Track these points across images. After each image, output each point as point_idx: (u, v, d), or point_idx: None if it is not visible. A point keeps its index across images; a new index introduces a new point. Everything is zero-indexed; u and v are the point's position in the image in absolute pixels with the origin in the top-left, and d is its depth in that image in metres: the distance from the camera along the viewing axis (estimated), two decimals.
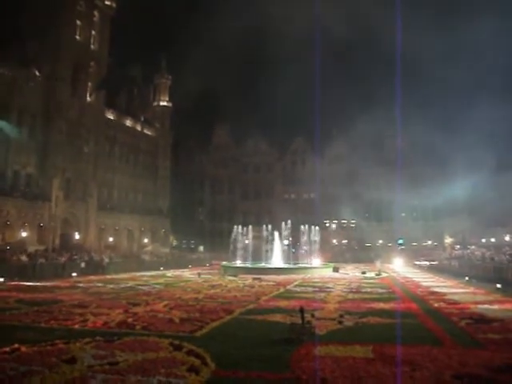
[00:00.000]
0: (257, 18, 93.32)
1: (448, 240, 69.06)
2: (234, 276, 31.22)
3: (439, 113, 64.65)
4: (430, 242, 70.39)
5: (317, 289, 22.63)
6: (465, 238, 63.60)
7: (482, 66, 60.77)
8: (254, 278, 28.55)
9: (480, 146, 55.05)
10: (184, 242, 75.61)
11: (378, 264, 46.90)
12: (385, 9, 61.83)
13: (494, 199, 58.12)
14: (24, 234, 41.43)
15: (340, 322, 12.48)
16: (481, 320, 12.84)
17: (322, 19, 62.61)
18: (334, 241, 72.11)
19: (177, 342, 9.51)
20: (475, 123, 52.55)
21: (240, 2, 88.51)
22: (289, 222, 45.42)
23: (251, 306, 15.85)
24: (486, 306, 15.88)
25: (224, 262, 41.81)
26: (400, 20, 43.44)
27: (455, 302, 16.81)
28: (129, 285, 24.61)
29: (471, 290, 22.03)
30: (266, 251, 45.03)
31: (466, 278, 27.87)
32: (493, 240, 55.40)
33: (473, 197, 63.42)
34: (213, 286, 24.02)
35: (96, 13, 53.30)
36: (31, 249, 36.90)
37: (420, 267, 45.36)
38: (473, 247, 49.06)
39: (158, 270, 39.25)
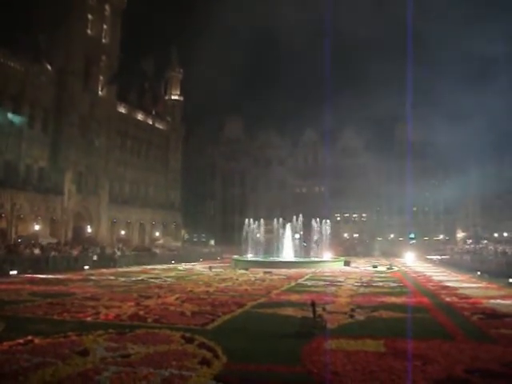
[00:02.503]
0: (269, 12, 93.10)
1: (460, 234, 68.82)
2: (245, 269, 31.22)
3: (452, 105, 64.23)
4: (441, 237, 70.12)
5: (328, 283, 22.60)
6: (477, 233, 63.34)
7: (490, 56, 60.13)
8: (265, 272, 28.54)
9: (494, 139, 54.65)
10: (195, 235, 75.89)
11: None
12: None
13: (506, 193, 57.79)
14: (37, 228, 41.79)
15: (351, 316, 12.45)
16: (493, 315, 12.77)
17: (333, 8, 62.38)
18: (345, 234, 72.03)
19: (188, 335, 9.54)
20: (489, 116, 52.13)
21: None
22: (300, 215, 45.34)
23: (262, 300, 15.86)
24: (498, 300, 15.77)
25: (235, 256, 41.82)
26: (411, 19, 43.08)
27: (467, 297, 16.72)
28: (140, 278, 24.70)
29: (483, 284, 21.89)
30: (277, 245, 45.02)
31: (478, 273, 27.69)
32: (505, 234, 55.10)
33: (485, 191, 63.10)
34: (224, 280, 24.06)
35: (107, 7, 53.48)
36: (44, 242, 37.16)
37: (432, 261, 45.14)
38: (485, 241, 48.86)
39: (170, 263, 39.34)
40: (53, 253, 32.46)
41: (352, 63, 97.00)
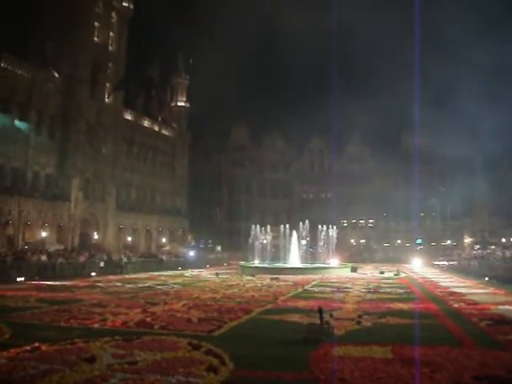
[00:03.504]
0: (272, 16, 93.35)
1: (467, 240, 68.42)
2: (252, 276, 31.22)
3: (457, 110, 64.00)
4: (449, 242, 69.77)
5: (335, 289, 22.55)
6: (484, 238, 62.97)
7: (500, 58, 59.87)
8: (272, 278, 28.52)
9: (499, 144, 54.35)
10: (202, 241, 75.83)
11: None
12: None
13: None
14: (44, 234, 41.88)
15: (358, 323, 12.41)
16: (501, 321, 12.70)
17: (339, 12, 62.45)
18: (352, 240, 71.80)
19: (195, 342, 9.53)
20: (493, 120, 51.89)
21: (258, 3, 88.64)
22: (306, 221, 45.29)
23: (269, 306, 15.84)
24: (506, 306, 15.69)
25: (242, 262, 41.83)
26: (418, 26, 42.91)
27: (475, 303, 16.64)
28: (147, 284, 24.73)
29: (491, 290, 21.78)
30: (284, 251, 45.01)
31: (486, 279, 27.56)
32: None
33: (492, 196, 62.82)
34: (231, 286, 24.05)
35: (114, 14, 53.74)
36: (51, 248, 37.22)
37: (439, 267, 44.99)
38: (492, 247, 48.60)
39: (176, 269, 39.40)
40: (60, 259, 32.54)
41: (358, 67, 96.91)
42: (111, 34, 53.33)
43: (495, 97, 53.84)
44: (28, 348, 8.89)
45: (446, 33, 74.01)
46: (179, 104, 67.53)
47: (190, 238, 70.01)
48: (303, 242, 45.48)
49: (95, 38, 50.90)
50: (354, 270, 37.31)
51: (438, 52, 76.46)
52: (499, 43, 55.87)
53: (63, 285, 23.96)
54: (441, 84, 74.43)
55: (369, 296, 19.31)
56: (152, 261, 41.85)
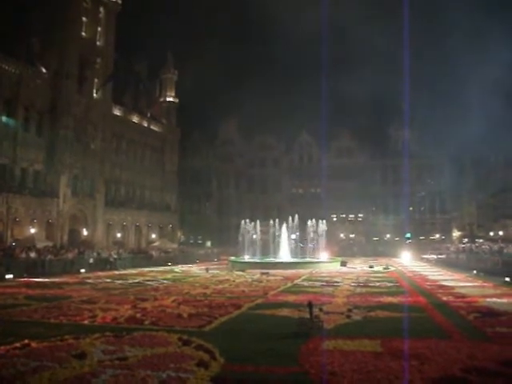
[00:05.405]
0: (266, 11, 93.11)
1: (456, 233, 68.87)
2: (242, 271, 31.24)
3: (447, 104, 64.33)
4: (437, 236, 70.14)
5: (325, 283, 22.62)
6: (473, 232, 63.45)
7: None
8: (262, 273, 28.54)
9: (487, 139, 54.66)
10: (191, 237, 75.71)
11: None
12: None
13: (501, 192, 57.89)
14: (32, 231, 41.67)
15: (348, 316, 12.47)
16: (489, 313, 12.81)
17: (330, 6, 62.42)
18: (342, 235, 72.01)
19: (185, 337, 9.54)
20: (483, 116, 52.18)
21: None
22: (296, 216, 45.36)
23: (259, 301, 15.87)
24: (494, 299, 15.84)
25: (232, 257, 41.83)
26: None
27: (463, 296, 16.78)
28: (137, 280, 24.68)
29: (479, 283, 21.96)
30: (274, 246, 45.07)
31: (474, 272, 27.80)
32: (501, 233, 55.13)
33: (480, 190, 63.25)
34: (221, 281, 24.05)
35: (101, 9, 53.29)
36: (40, 245, 37.01)
37: (428, 261, 45.28)
38: (481, 240, 48.91)
39: (166, 265, 39.33)
40: (49, 256, 32.35)
41: (349, 60, 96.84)
42: (99, 28, 52.90)
43: (484, 92, 54.09)
44: (18, 345, 8.87)
45: (436, 27, 74.32)
46: (168, 99, 67.21)
47: (179, 233, 69.93)
48: (293, 236, 45.56)
49: (83, 33, 50.48)
50: (343, 264, 37.39)
51: (428, 48, 76.74)
52: (490, 38, 56.15)
53: (52, 282, 23.84)
54: (430, 79, 74.70)
55: (358, 290, 19.40)
56: (142, 257, 41.76)
